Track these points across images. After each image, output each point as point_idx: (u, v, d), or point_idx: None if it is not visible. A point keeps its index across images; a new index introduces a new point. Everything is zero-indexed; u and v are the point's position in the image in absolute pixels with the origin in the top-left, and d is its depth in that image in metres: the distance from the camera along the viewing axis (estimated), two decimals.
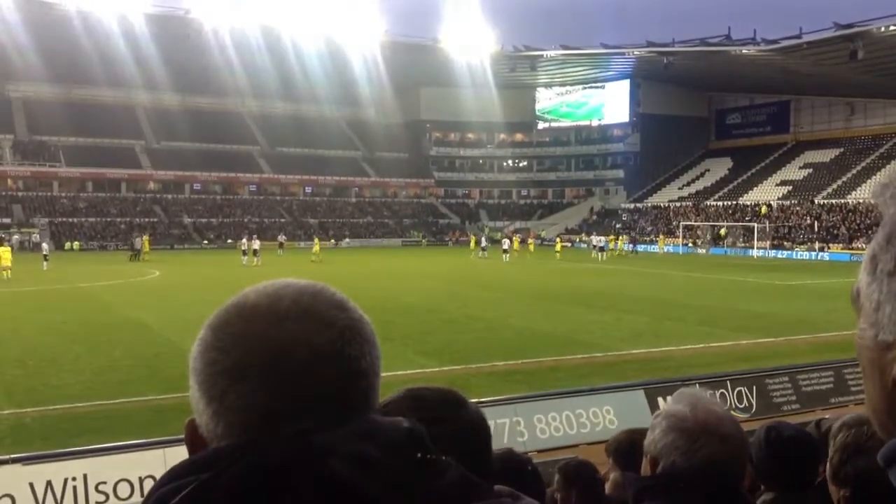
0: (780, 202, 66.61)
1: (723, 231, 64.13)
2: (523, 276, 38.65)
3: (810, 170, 71.41)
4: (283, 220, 76.40)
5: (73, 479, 8.25)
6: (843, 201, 62.37)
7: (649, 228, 71.23)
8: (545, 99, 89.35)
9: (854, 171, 66.91)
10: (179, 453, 2.71)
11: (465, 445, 1.22)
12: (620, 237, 63.07)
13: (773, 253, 56.85)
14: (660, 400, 10.95)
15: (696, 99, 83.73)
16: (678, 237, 64.32)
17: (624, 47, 72.60)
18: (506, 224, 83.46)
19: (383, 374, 0.92)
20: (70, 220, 68.56)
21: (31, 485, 8.10)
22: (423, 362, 16.02)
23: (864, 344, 0.74)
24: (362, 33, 68.43)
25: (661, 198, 78.57)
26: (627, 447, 3.33)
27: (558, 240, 60.96)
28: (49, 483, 8.15)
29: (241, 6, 63.21)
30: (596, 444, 8.67)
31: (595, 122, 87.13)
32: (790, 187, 69.44)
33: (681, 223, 66.48)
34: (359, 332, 0.88)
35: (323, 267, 42.93)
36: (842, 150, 71.59)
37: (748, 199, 70.07)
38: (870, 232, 50.83)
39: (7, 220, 65.58)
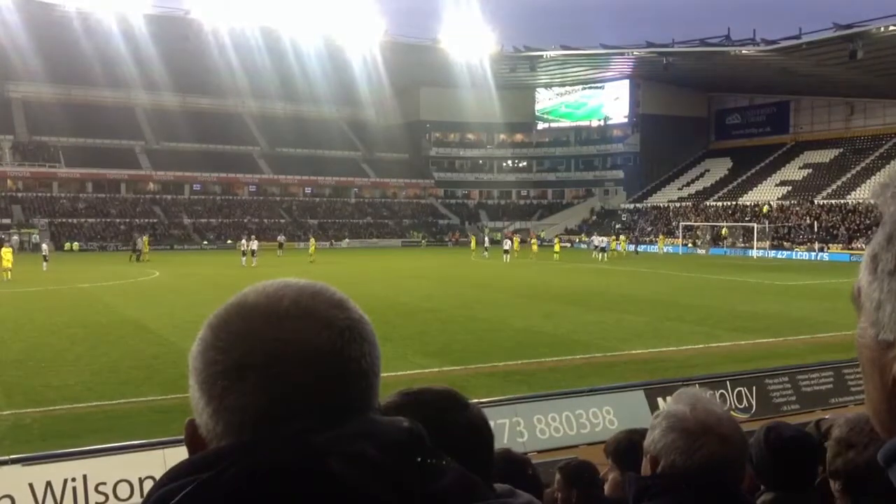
0: (780, 202, 66.62)
1: (724, 231, 64.15)
2: (523, 276, 38.63)
3: (810, 170, 71.42)
4: (282, 220, 76.32)
5: (73, 479, 8.26)
6: (842, 201, 62.37)
7: (649, 229, 71.16)
8: (545, 99, 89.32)
9: (853, 172, 66.93)
10: (179, 454, 2.71)
11: (466, 446, 1.22)
12: (621, 237, 63.03)
13: (772, 253, 56.84)
14: (660, 400, 10.96)
15: (696, 99, 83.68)
16: (678, 237, 64.31)
17: (624, 48, 72.61)
18: (505, 224, 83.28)
19: (383, 375, 0.92)
20: (70, 220, 68.50)
21: (31, 485, 8.10)
22: (422, 363, 16.03)
23: (864, 343, 0.74)
24: (362, 34, 68.42)
25: (661, 198, 78.55)
26: (626, 447, 3.33)
27: (557, 240, 60.71)
28: (49, 484, 8.15)
29: (240, 7, 63.20)
30: (596, 445, 8.64)
31: (595, 123, 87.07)
32: (790, 187, 69.45)
33: (680, 223, 66.45)
34: (359, 332, 0.88)
35: (323, 267, 42.88)
36: (841, 150, 71.60)
37: (748, 199, 70.08)
38: (869, 232, 50.82)
39: (7, 221, 65.52)
